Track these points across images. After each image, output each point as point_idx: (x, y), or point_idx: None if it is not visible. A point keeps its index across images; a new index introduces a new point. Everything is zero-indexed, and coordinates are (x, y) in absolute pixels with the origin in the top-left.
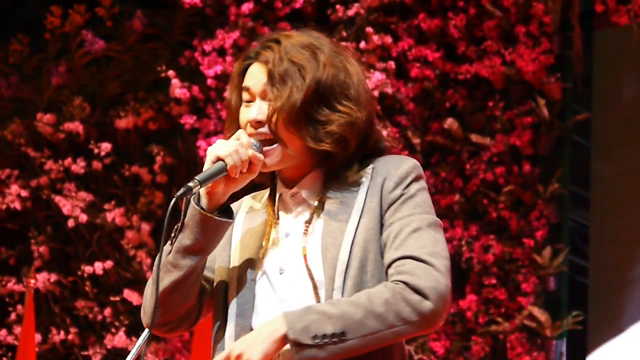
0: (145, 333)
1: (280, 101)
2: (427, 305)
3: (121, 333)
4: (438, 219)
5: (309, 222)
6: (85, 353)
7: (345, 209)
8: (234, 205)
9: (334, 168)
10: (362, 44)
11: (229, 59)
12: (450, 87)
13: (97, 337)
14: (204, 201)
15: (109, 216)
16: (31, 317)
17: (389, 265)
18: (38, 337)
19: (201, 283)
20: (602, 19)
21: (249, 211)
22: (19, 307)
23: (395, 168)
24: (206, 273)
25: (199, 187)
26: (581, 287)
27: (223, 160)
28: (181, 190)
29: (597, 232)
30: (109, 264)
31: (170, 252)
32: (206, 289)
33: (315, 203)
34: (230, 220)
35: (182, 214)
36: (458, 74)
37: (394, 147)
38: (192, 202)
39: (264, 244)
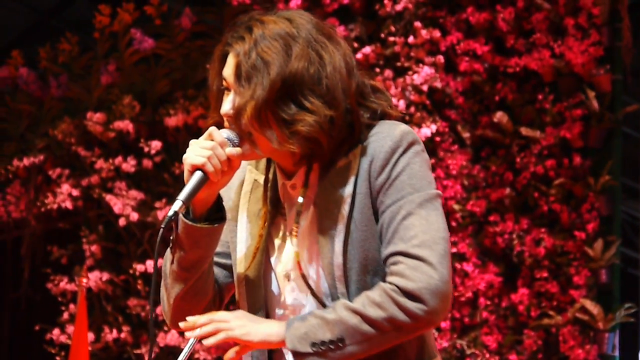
0: (191, 341)
1: (244, 99)
2: (421, 307)
3: (173, 331)
4: (432, 191)
5: (297, 222)
6: (138, 351)
7: (335, 202)
8: (236, 175)
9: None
10: (411, 39)
11: None
12: (499, 80)
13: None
14: (191, 211)
15: (160, 214)
16: (84, 316)
17: (385, 262)
18: (91, 336)
19: (214, 276)
20: None
21: (253, 187)
22: (72, 306)
23: (380, 147)
24: (220, 260)
25: (184, 207)
26: (633, 279)
27: (202, 169)
28: (166, 219)
29: None
30: (160, 262)
31: (173, 261)
32: (222, 277)
33: (301, 200)
34: (222, 223)
35: (174, 229)
36: (507, 67)
37: (398, 115)
38: (180, 217)
39: (276, 243)
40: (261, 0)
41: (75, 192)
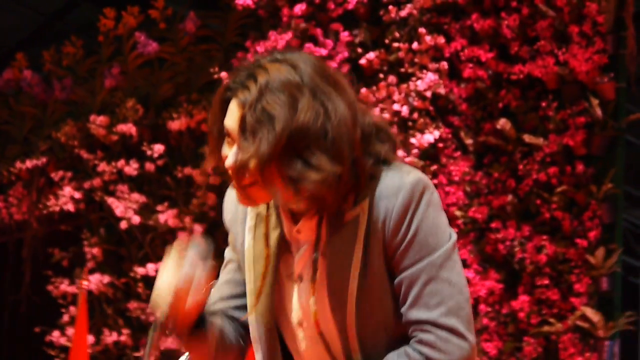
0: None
1: (248, 154)
2: None
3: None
4: (449, 244)
5: (313, 280)
6: (138, 354)
7: (346, 259)
8: (241, 207)
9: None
10: (415, 45)
11: None
12: (503, 87)
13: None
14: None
15: (162, 218)
16: (84, 319)
17: (408, 324)
18: (91, 338)
19: (231, 335)
20: None
21: (257, 222)
22: (72, 308)
23: (392, 205)
24: (238, 302)
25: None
26: (634, 288)
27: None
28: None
29: None
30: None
31: None
32: (242, 324)
33: (315, 253)
34: (202, 332)
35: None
36: (511, 74)
37: (398, 159)
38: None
39: (287, 284)
40: (265, 5)
41: (77, 195)
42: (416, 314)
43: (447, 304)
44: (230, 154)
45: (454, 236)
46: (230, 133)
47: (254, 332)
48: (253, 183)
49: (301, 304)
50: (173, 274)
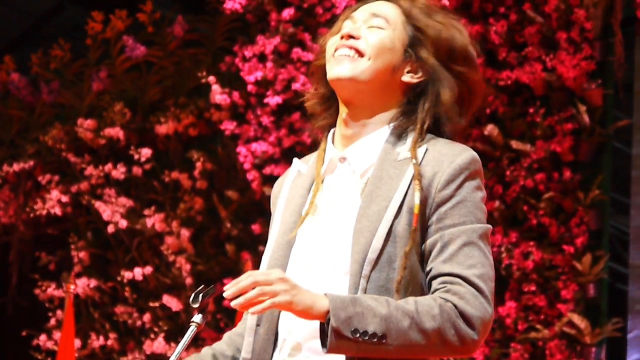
0: (191, 330)
1: (434, 30)
2: (472, 335)
3: (160, 339)
4: (488, 226)
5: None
6: (125, 358)
7: (387, 193)
8: (283, 176)
9: (395, 130)
10: None
11: (269, 64)
12: (490, 93)
13: (137, 343)
14: None
15: (149, 222)
16: (71, 323)
17: (435, 277)
18: (77, 342)
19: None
20: None
21: (295, 177)
22: (59, 312)
23: (449, 162)
24: None
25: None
26: (621, 294)
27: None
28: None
29: (637, 239)
30: (148, 269)
31: None
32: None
33: (361, 180)
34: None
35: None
36: (499, 80)
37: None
38: None
39: (303, 212)
40: (253, 9)
41: (64, 199)
42: (450, 268)
43: (480, 269)
44: (348, 25)
45: (489, 226)
46: (355, 19)
47: (267, 256)
48: (361, 55)
49: (321, 227)
50: None
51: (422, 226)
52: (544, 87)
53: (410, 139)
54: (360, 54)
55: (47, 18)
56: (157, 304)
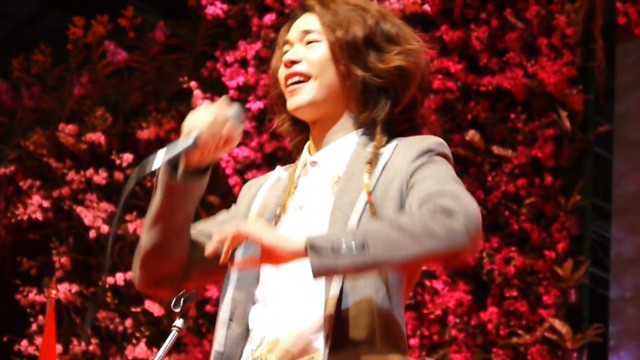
0: (172, 334)
1: (340, 31)
2: (457, 222)
3: (142, 344)
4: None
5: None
6: None
7: (358, 185)
8: (264, 177)
9: (359, 131)
10: None
11: (251, 70)
12: (472, 98)
13: (118, 348)
14: (180, 166)
15: (131, 227)
16: (52, 328)
17: (419, 203)
18: (59, 347)
19: (188, 247)
20: (624, 31)
21: (275, 182)
22: (40, 317)
23: (418, 144)
24: (204, 240)
25: (161, 165)
26: (602, 300)
27: (195, 138)
28: (143, 174)
29: (618, 244)
30: (130, 274)
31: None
32: (200, 255)
33: (332, 180)
34: (194, 183)
35: (156, 176)
36: (480, 85)
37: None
38: (163, 167)
39: (277, 212)
40: (235, 14)
41: (45, 204)
42: (426, 190)
43: (455, 191)
44: (289, 51)
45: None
46: (290, 41)
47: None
48: (306, 78)
49: (294, 228)
50: (214, 108)
51: (400, 199)
52: (525, 93)
53: (377, 137)
54: (307, 77)
55: (28, 23)
56: (139, 309)
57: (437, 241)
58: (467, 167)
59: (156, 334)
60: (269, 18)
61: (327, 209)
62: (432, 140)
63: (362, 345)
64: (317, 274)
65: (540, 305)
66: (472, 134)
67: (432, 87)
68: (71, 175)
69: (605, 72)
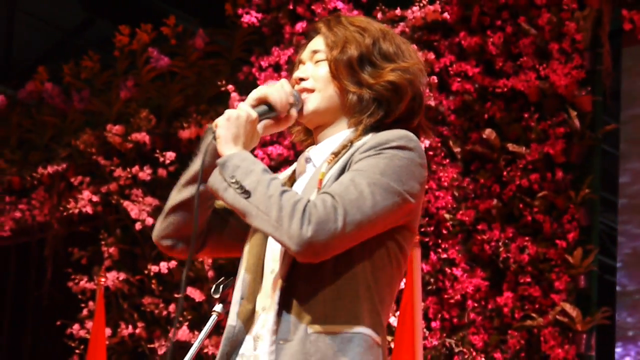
0: (212, 318)
1: (336, 50)
2: (306, 229)
3: (185, 327)
4: (395, 186)
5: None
6: (152, 346)
7: (313, 179)
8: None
9: (351, 130)
10: None
11: (284, 74)
12: (488, 100)
13: (163, 331)
14: None
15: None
16: (102, 313)
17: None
18: (108, 331)
19: (209, 215)
20: (630, 37)
21: (290, 174)
22: (91, 303)
23: (381, 137)
24: (227, 215)
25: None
26: (610, 285)
27: (268, 104)
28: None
29: (624, 234)
30: (173, 263)
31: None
32: (216, 226)
33: (311, 167)
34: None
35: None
36: (496, 87)
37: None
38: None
39: None
40: (269, 23)
41: (95, 198)
42: (337, 184)
43: (350, 197)
44: (299, 70)
45: (402, 194)
46: (302, 60)
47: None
48: (311, 90)
49: None
50: (282, 84)
51: None
52: (537, 94)
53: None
54: (311, 91)
55: (78, 32)
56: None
57: (285, 235)
58: (484, 163)
59: (197, 318)
60: (300, 26)
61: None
62: (394, 134)
63: (312, 305)
64: (208, 181)
65: (552, 290)
66: (488, 133)
67: (426, 102)
68: (118, 172)
69: (612, 74)
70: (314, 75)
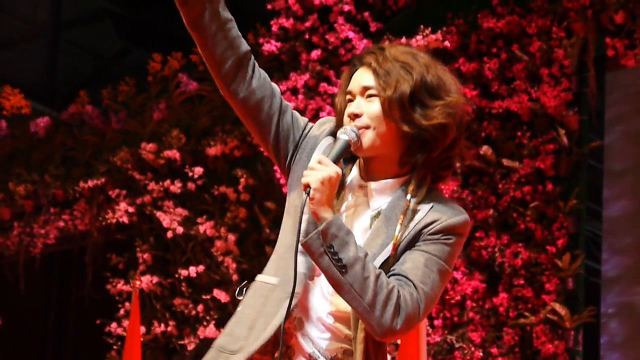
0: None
1: (389, 90)
2: (397, 323)
3: (211, 325)
4: (450, 269)
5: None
6: (182, 342)
7: (390, 231)
8: (319, 135)
9: (409, 181)
10: None
11: (300, 97)
12: (485, 119)
13: (192, 329)
14: None
15: (201, 228)
16: (137, 313)
17: (396, 274)
18: (142, 329)
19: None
20: (612, 62)
21: (326, 148)
22: (127, 304)
23: (447, 218)
24: (278, 108)
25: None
26: (595, 287)
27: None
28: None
29: (608, 240)
30: (201, 268)
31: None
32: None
33: (374, 213)
34: None
35: None
36: (492, 108)
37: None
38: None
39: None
40: (287, 50)
41: (130, 209)
42: (408, 272)
43: (429, 289)
44: (353, 104)
45: (451, 273)
46: (353, 93)
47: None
48: (366, 127)
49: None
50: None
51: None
52: (529, 114)
53: (420, 192)
54: (367, 127)
55: (115, 59)
56: (208, 297)
57: (375, 320)
58: (481, 176)
59: (223, 317)
60: (315, 53)
61: (360, 237)
62: (458, 220)
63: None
64: (304, 244)
65: (543, 291)
66: (485, 149)
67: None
68: (151, 185)
69: (597, 96)
70: (367, 112)
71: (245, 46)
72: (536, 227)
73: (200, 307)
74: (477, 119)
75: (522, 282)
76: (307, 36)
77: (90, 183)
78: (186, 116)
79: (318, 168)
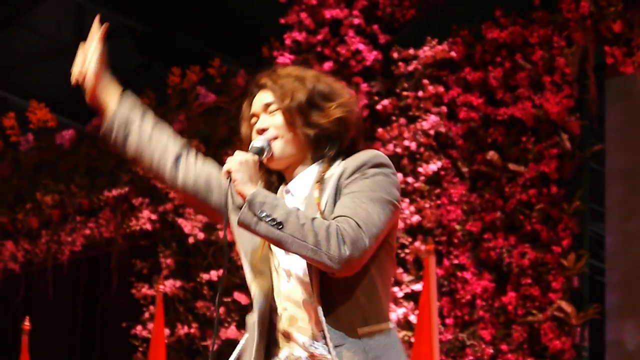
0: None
1: (287, 100)
2: (345, 250)
3: (233, 327)
4: (386, 197)
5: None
6: (204, 344)
7: (311, 205)
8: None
9: (317, 163)
10: (420, 93)
11: None
12: (491, 126)
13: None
14: None
15: (221, 234)
16: (161, 316)
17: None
18: (166, 331)
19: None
20: (612, 69)
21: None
22: (151, 307)
23: (355, 159)
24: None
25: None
26: (599, 285)
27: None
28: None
29: (611, 240)
30: (222, 272)
31: None
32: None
33: (301, 199)
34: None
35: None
36: (497, 115)
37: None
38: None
39: None
40: (301, 62)
41: (153, 217)
42: (339, 212)
43: (363, 216)
44: (258, 122)
45: (394, 202)
46: (256, 113)
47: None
48: (275, 138)
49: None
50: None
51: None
52: (533, 120)
53: (325, 163)
54: (274, 138)
55: (136, 73)
56: (229, 299)
57: (326, 257)
58: (488, 180)
59: (244, 318)
60: (327, 65)
61: None
62: (367, 155)
63: (352, 310)
64: (239, 223)
65: (550, 290)
66: (491, 154)
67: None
68: (173, 193)
69: (597, 102)
70: (272, 124)
71: (175, 148)
72: (542, 228)
73: (222, 310)
74: (483, 126)
75: (529, 281)
76: (319, 49)
77: (114, 192)
78: (205, 127)
79: (235, 154)
